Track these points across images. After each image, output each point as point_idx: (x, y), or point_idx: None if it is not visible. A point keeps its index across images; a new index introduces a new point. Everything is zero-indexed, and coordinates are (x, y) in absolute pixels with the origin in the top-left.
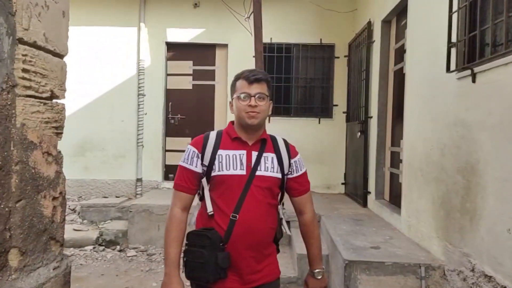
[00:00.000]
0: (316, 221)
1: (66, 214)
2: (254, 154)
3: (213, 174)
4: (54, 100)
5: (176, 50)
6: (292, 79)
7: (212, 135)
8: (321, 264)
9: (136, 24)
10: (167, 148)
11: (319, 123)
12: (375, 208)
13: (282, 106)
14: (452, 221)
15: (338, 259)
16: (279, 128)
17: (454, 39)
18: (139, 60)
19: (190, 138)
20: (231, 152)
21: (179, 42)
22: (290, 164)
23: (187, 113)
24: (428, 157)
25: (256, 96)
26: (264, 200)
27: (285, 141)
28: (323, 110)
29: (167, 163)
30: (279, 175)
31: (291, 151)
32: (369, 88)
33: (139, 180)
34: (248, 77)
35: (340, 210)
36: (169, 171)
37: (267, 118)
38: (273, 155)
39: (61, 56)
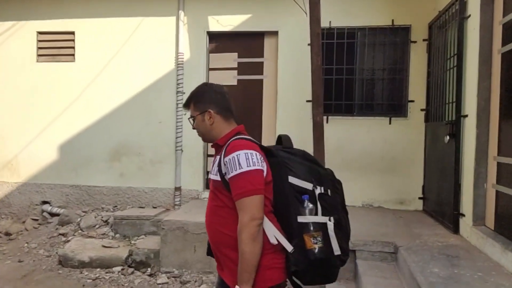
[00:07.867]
0: (244, 236)
1: (98, 226)
2: (217, 159)
3: None
4: None
5: (219, 41)
6: (355, 70)
7: None
8: (244, 285)
9: (175, 12)
10: (209, 153)
11: (390, 123)
12: (473, 237)
13: (344, 103)
14: None
15: None
16: (340, 129)
17: None
18: (177, 53)
19: None
20: None
21: (222, 31)
22: (225, 164)
23: None
24: None
25: (190, 121)
26: (212, 202)
27: (232, 141)
28: (395, 108)
29: (208, 170)
30: (218, 177)
31: (226, 150)
32: (462, 78)
33: (177, 189)
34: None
35: (423, 238)
36: None
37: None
38: (219, 157)
39: None
